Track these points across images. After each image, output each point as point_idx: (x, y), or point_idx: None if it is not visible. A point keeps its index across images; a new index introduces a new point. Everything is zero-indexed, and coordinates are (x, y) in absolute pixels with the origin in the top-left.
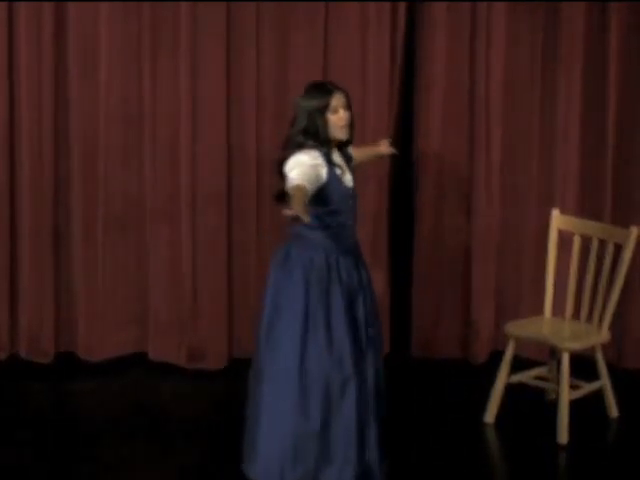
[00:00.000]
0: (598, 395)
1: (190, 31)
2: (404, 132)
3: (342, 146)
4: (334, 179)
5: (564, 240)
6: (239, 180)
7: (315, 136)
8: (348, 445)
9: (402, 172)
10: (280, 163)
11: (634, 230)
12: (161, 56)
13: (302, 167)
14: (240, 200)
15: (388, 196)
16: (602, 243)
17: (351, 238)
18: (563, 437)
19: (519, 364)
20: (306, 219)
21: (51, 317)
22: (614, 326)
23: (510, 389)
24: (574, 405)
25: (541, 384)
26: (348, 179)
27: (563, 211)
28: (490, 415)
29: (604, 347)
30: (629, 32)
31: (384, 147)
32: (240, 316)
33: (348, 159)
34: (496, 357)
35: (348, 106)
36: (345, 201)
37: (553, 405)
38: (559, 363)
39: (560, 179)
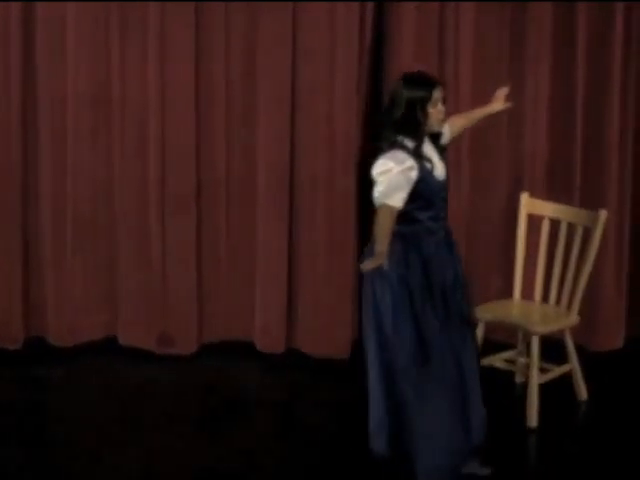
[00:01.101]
0: (567, 378)
1: (158, 15)
2: (372, 131)
3: (434, 136)
4: (425, 175)
5: (533, 224)
6: (208, 165)
7: (410, 128)
8: None
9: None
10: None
11: (603, 213)
12: (129, 40)
13: (390, 177)
14: (210, 185)
15: (356, 183)
16: (571, 226)
17: (442, 230)
18: (532, 420)
19: (489, 347)
20: (385, 266)
21: (20, 303)
22: (583, 309)
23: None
24: (544, 388)
25: (511, 367)
26: (440, 172)
27: (532, 195)
28: None
29: (573, 330)
30: (597, 23)
31: (498, 103)
32: (210, 301)
33: (441, 150)
34: None
35: (445, 99)
36: (437, 194)
37: (523, 388)
38: (529, 346)
39: (529, 163)
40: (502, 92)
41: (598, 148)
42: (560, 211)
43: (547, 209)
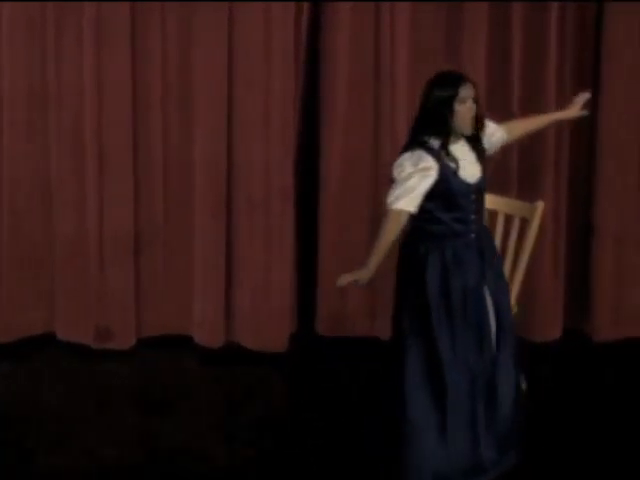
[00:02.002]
0: None
1: (94, 14)
2: (309, 129)
3: (473, 138)
4: (447, 176)
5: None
6: (146, 158)
7: (436, 126)
8: None
9: (308, 164)
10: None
11: (540, 205)
12: (65, 37)
13: (402, 179)
14: (147, 178)
15: (293, 176)
16: (508, 218)
17: (472, 233)
18: None
19: None
20: (362, 282)
21: None
22: (521, 300)
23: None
24: None
25: None
26: (469, 173)
27: None
28: None
29: None
30: (532, 22)
31: (575, 109)
32: (148, 295)
33: (479, 152)
34: None
35: (476, 99)
36: (463, 196)
37: None
38: None
39: None
40: (582, 98)
41: (534, 142)
42: (497, 203)
43: (502, 204)
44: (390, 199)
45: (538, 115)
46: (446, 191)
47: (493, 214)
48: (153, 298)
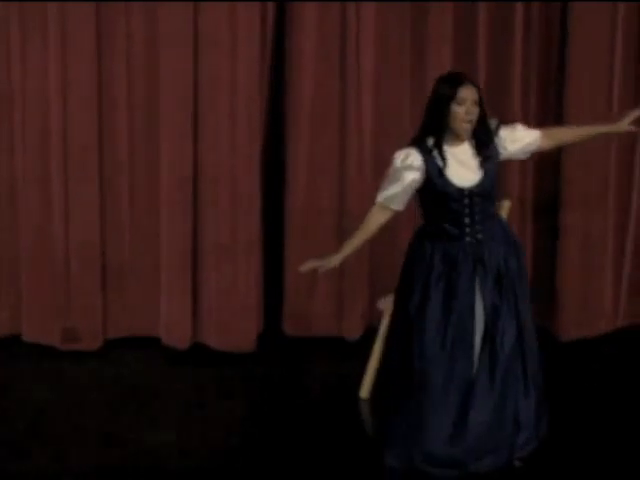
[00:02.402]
0: None
1: (59, 13)
2: (275, 129)
3: (480, 142)
4: (434, 177)
5: None
6: (111, 159)
7: (432, 125)
8: None
9: (274, 164)
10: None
11: (506, 203)
12: (30, 37)
13: (388, 172)
14: (112, 179)
15: (260, 177)
16: None
17: (468, 237)
18: None
19: None
20: (327, 267)
21: None
22: None
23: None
24: None
25: None
26: (462, 177)
27: None
28: (365, 391)
29: None
30: (497, 21)
31: (624, 124)
32: (115, 297)
33: (486, 157)
34: (371, 332)
35: (478, 102)
36: (452, 199)
37: None
38: None
39: None
40: (634, 113)
41: None
42: None
43: None
44: (378, 193)
45: (582, 125)
46: (433, 191)
47: None
48: (120, 299)
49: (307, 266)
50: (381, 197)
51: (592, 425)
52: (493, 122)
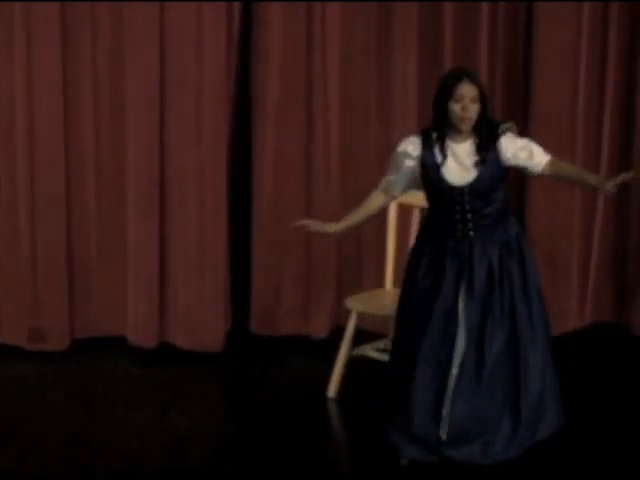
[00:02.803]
0: None
1: (24, 13)
2: (242, 128)
3: (482, 142)
4: (428, 167)
5: (404, 212)
6: (78, 159)
7: (433, 119)
8: None
9: (241, 164)
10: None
11: None
12: None
13: (391, 159)
14: (79, 178)
15: (226, 176)
16: None
17: (461, 233)
18: None
19: (362, 337)
20: (324, 229)
21: None
22: None
23: (352, 363)
24: None
25: (383, 356)
26: (456, 174)
27: None
28: (333, 390)
29: None
30: (463, 15)
31: (608, 183)
32: (81, 297)
33: (483, 158)
34: (339, 331)
35: (478, 99)
36: (444, 194)
37: None
38: None
39: None
40: (621, 177)
41: None
42: (416, 198)
43: (417, 199)
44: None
45: (581, 169)
46: (429, 184)
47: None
48: (87, 299)
49: (303, 223)
50: (383, 182)
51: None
52: (504, 126)
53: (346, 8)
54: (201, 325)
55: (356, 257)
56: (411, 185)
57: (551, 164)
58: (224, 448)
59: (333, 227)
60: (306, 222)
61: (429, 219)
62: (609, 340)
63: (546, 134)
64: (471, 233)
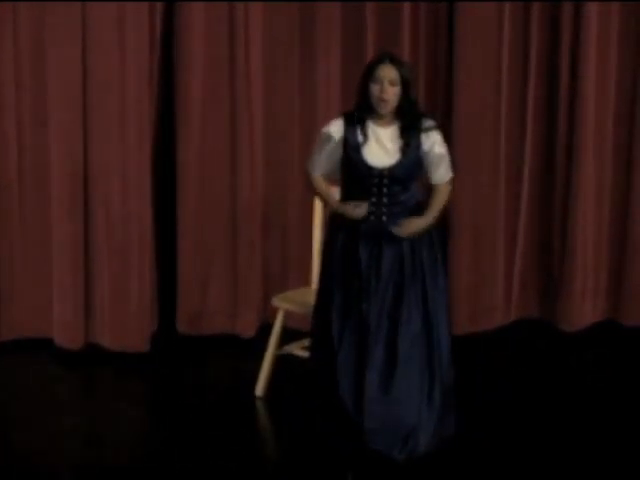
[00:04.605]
0: None
1: None
2: (165, 128)
3: (406, 127)
4: (348, 147)
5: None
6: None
7: (360, 102)
8: None
9: (165, 164)
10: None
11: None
12: None
13: (317, 140)
14: (1, 179)
15: (151, 176)
16: None
17: (380, 216)
18: None
19: (289, 335)
20: (354, 212)
21: None
22: None
23: (280, 361)
24: None
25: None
26: (377, 156)
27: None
28: (261, 388)
29: None
30: (385, 12)
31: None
32: (6, 299)
33: (407, 143)
34: (266, 330)
35: (399, 82)
36: (364, 176)
37: None
38: None
39: None
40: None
41: None
42: None
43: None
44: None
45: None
46: (347, 164)
47: None
48: (11, 301)
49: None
50: (307, 163)
51: (497, 421)
52: (428, 122)
53: (268, 8)
54: (127, 325)
55: (282, 255)
56: (332, 168)
57: (442, 187)
58: (151, 449)
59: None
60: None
61: (344, 202)
62: (534, 337)
63: (469, 133)
64: (384, 218)
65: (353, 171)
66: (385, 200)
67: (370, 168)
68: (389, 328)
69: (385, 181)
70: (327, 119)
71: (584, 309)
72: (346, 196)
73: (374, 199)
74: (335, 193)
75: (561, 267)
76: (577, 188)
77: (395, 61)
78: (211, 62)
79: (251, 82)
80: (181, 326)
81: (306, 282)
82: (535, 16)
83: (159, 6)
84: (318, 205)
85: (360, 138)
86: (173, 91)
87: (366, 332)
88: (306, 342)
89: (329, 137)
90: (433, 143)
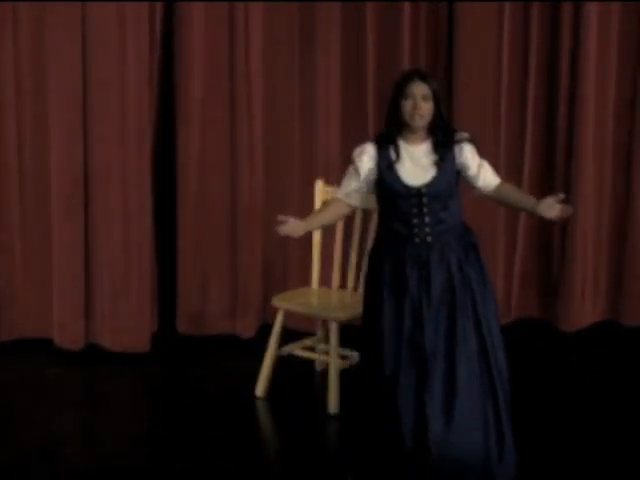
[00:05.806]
0: None
1: None
2: (165, 129)
3: (439, 142)
4: (384, 170)
5: None
6: (0, 166)
7: (391, 121)
8: None
9: (165, 164)
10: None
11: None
12: None
13: (349, 168)
14: (1, 180)
15: (151, 176)
16: (367, 213)
17: (419, 238)
18: (333, 407)
19: (289, 336)
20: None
21: None
22: None
23: (280, 361)
24: (344, 374)
25: (311, 355)
26: (412, 175)
27: (327, 182)
28: (261, 389)
29: None
30: (385, 12)
31: (551, 211)
32: (6, 299)
33: (442, 157)
34: (266, 330)
35: (431, 98)
36: (400, 196)
37: (323, 375)
38: (328, 333)
39: (322, 152)
40: (558, 198)
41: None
42: None
43: None
44: (339, 189)
45: (525, 193)
46: (383, 186)
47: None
48: (12, 301)
49: (283, 219)
50: (340, 193)
51: None
52: (461, 135)
53: (268, 8)
54: (128, 326)
55: (282, 256)
56: (368, 192)
57: (499, 187)
58: (151, 449)
59: (301, 226)
60: (284, 218)
61: (385, 227)
62: (534, 337)
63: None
64: (429, 238)
65: (390, 193)
66: (427, 220)
67: (407, 187)
68: (447, 348)
69: (424, 200)
70: (327, 119)
71: (584, 309)
72: (385, 221)
73: (416, 220)
74: (333, 217)
75: (561, 267)
76: (577, 188)
77: (424, 77)
78: (211, 62)
79: (251, 82)
80: (181, 326)
81: (306, 282)
82: (535, 16)
83: (159, 6)
84: (318, 203)
85: (393, 157)
86: (173, 91)
87: (423, 356)
88: (306, 342)
89: (364, 162)
90: (467, 153)
